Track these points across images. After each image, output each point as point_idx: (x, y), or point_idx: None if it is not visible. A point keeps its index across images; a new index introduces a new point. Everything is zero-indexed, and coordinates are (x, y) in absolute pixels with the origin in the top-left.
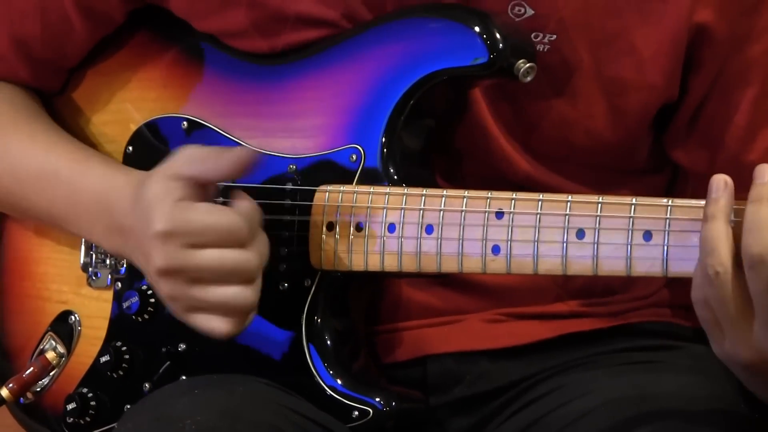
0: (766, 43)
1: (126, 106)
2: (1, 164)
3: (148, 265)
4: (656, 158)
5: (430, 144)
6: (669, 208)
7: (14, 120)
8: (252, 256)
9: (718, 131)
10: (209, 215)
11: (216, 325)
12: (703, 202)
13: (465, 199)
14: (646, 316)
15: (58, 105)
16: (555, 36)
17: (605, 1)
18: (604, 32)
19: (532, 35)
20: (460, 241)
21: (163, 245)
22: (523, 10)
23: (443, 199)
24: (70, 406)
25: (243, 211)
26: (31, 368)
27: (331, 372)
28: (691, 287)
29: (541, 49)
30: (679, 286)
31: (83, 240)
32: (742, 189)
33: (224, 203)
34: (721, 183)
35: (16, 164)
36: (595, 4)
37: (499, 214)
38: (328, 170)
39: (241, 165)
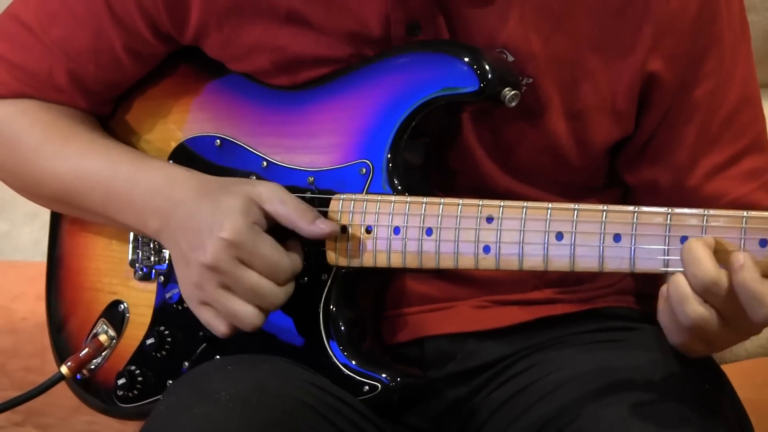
0: (706, 87)
1: (168, 126)
2: (64, 166)
3: (192, 253)
4: (612, 177)
5: (428, 159)
6: (635, 214)
7: (74, 128)
8: (280, 294)
9: (664, 160)
10: (269, 248)
11: (219, 326)
12: (661, 209)
13: (460, 206)
14: (611, 302)
15: (108, 126)
16: (531, 79)
17: (573, 51)
18: (573, 76)
19: None
20: (456, 242)
21: (223, 250)
22: (505, 56)
23: (441, 206)
24: (120, 381)
25: (293, 258)
26: (86, 349)
27: (344, 353)
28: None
29: (521, 93)
30: (639, 276)
31: (130, 239)
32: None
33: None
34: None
35: (78, 164)
36: (564, 53)
37: (489, 219)
38: (342, 181)
39: (322, 236)
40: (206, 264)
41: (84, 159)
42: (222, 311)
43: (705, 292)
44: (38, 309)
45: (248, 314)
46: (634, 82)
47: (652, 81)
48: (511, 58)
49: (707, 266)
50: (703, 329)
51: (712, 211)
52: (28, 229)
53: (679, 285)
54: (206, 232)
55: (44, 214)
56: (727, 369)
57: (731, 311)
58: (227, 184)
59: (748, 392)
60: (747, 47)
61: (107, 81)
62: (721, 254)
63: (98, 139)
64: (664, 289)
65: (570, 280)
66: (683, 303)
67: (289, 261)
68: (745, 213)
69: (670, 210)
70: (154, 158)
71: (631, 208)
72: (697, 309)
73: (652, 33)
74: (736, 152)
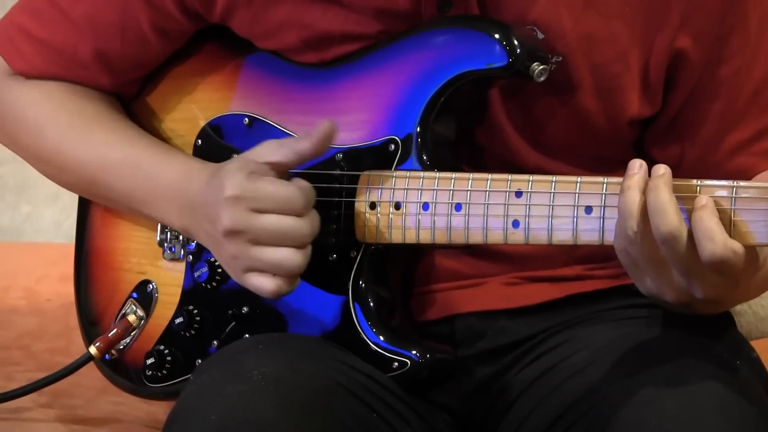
0: (733, 65)
1: (195, 106)
2: (88, 154)
3: (215, 229)
4: (639, 150)
5: (457, 135)
6: None
7: (98, 117)
8: (305, 224)
9: (690, 136)
10: (273, 185)
11: (266, 283)
12: (691, 181)
13: (489, 181)
14: None
15: (136, 106)
16: (561, 58)
17: (604, 28)
18: (603, 54)
19: None
20: (485, 217)
21: (232, 207)
22: (535, 33)
23: (470, 181)
24: (149, 361)
25: (301, 186)
26: (115, 329)
27: (374, 330)
28: (614, 238)
29: (549, 69)
30: None
31: None
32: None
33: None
34: (636, 163)
35: (102, 154)
36: (595, 30)
37: (519, 194)
38: (371, 158)
39: (319, 140)
40: (226, 229)
41: (107, 149)
42: (263, 267)
43: (665, 242)
44: (62, 290)
45: (286, 257)
46: (663, 60)
47: (679, 58)
48: (541, 36)
49: (674, 217)
50: (636, 255)
51: (742, 183)
52: (50, 211)
53: (631, 203)
54: (216, 202)
55: (66, 196)
56: (754, 345)
57: (697, 273)
58: (229, 160)
59: None
60: None
61: (133, 59)
62: (687, 200)
63: (121, 129)
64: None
65: (599, 257)
66: (627, 219)
67: (298, 190)
68: (735, 183)
69: (699, 182)
70: (175, 151)
71: None
72: (641, 230)
73: (682, 11)
74: (761, 128)
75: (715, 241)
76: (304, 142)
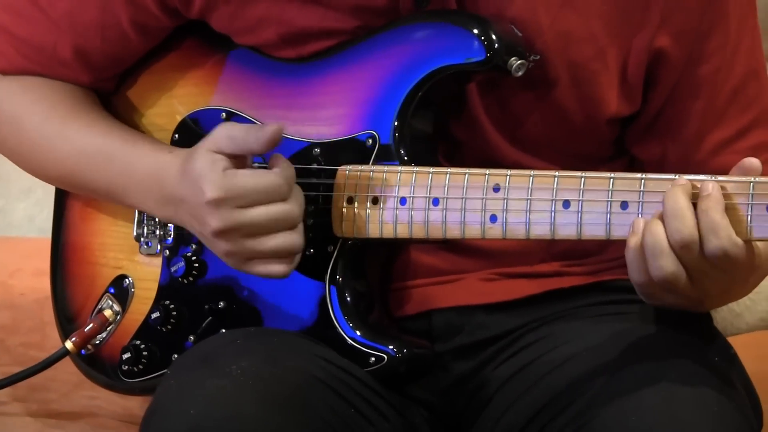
0: (713, 63)
1: (174, 101)
2: (65, 147)
3: (203, 229)
4: (619, 147)
5: (435, 130)
6: (642, 181)
7: (74, 109)
8: (293, 206)
9: (671, 135)
10: (252, 178)
11: (273, 268)
12: (669, 176)
13: (466, 176)
14: (617, 275)
15: (115, 100)
16: (539, 56)
17: (582, 27)
18: (581, 54)
19: None
20: (463, 211)
21: (217, 210)
22: (512, 29)
23: (447, 176)
24: (125, 356)
25: (279, 170)
26: (91, 324)
27: (350, 324)
28: (633, 273)
29: (527, 65)
30: None
31: (135, 214)
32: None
33: (261, 166)
34: (640, 225)
35: (78, 147)
36: (573, 29)
37: (496, 189)
38: (348, 152)
39: (272, 139)
40: (216, 231)
41: (83, 142)
42: (264, 256)
43: (683, 247)
44: (36, 284)
45: (284, 242)
46: (642, 59)
47: (659, 57)
48: (519, 34)
49: (691, 222)
50: (671, 284)
51: (720, 177)
52: (23, 205)
53: (657, 236)
54: (198, 205)
55: (39, 190)
56: (729, 341)
57: (699, 270)
58: (192, 151)
59: (748, 365)
60: (753, 19)
61: (113, 56)
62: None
63: (97, 121)
64: (639, 225)
65: (577, 253)
66: (658, 257)
67: (278, 176)
68: (752, 179)
69: (678, 177)
70: (147, 141)
71: (638, 175)
72: (670, 265)
73: (661, 9)
74: (743, 126)
75: (719, 236)
76: (255, 142)
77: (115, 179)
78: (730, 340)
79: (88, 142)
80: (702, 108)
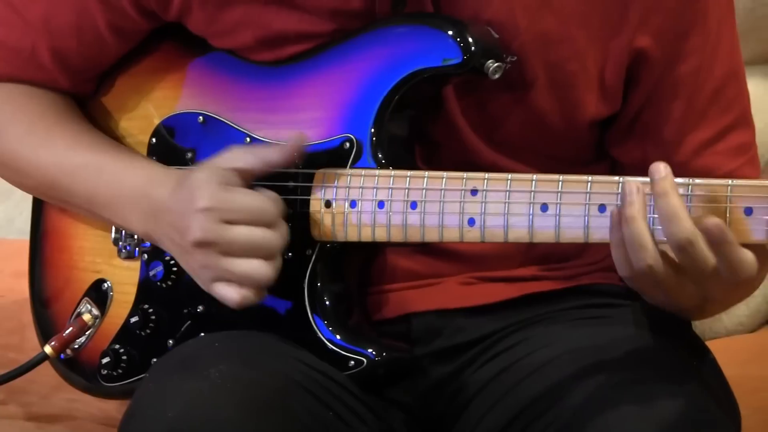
0: (692, 63)
1: (151, 104)
2: (49, 158)
3: (183, 240)
4: (600, 151)
5: (413, 133)
6: (620, 184)
7: (59, 120)
8: (276, 236)
9: (652, 136)
10: (245, 196)
11: (233, 294)
12: (647, 179)
13: (444, 179)
14: (596, 279)
15: (92, 104)
16: (516, 57)
17: (560, 28)
18: (559, 54)
19: None
20: (441, 215)
21: (204, 219)
22: (489, 31)
23: (425, 179)
24: (104, 360)
25: (271, 198)
26: (70, 328)
27: (329, 328)
28: (621, 269)
29: (504, 67)
30: None
31: None
32: None
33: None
34: (633, 188)
35: (64, 158)
36: (551, 30)
37: (474, 192)
38: (326, 156)
39: (293, 147)
40: (197, 240)
41: (69, 153)
42: (232, 278)
43: (678, 249)
44: (15, 286)
45: (255, 269)
46: (622, 60)
47: (639, 57)
48: (495, 36)
49: (686, 224)
50: (657, 278)
51: (697, 180)
52: (2, 207)
53: (641, 234)
54: (186, 212)
55: (18, 192)
56: (707, 345)
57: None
58: (198, 166)
59: (727, 369)
60: (732, 20)
61: (90, 58)
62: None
63: (83, 133)
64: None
65: (556, 257)
66: (640, 251)
67: (269, 201)
68: (730, 182)
69: (659, 179)
70: (139, 156)
71: (616, 178)
72: (648, 258)
73: (640, 10)
74: (723, 127)
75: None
76: (275, 152)
77: (101, 190)
78: (709, 344)
79: (76, 152)
80: (682, 109)
